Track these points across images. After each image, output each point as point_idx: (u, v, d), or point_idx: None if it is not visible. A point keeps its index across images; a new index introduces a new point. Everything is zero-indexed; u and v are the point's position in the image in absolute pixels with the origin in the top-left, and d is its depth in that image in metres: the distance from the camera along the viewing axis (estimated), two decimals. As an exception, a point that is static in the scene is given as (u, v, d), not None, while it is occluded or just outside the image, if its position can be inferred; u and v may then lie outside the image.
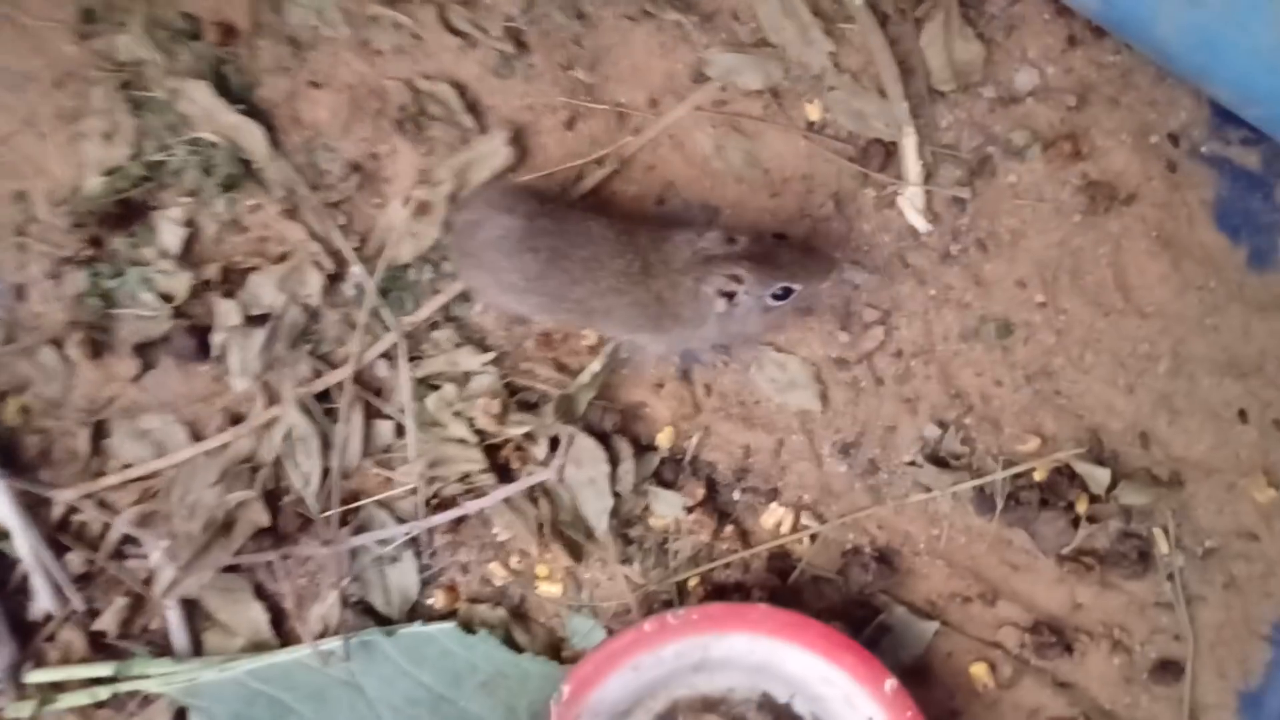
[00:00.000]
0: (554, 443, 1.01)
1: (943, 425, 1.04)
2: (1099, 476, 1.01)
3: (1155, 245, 1.04)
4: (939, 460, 1.03)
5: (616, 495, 1.00)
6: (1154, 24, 0.90)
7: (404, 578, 1.02)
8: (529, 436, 1.01)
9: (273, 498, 1.02)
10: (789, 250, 0.95)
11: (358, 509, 1.03)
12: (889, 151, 1.04)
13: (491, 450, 1.02)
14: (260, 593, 1.03)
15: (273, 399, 1.02)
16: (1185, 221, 1.05)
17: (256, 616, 1.02)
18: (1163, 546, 1.02)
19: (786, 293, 0.94)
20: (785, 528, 1.03)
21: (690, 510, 1.01)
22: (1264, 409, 1.03)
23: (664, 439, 1.04)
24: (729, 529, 1.02)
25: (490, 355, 1.03)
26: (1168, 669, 1.01)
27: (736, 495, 1.04)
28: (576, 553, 1.00)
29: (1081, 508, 1.02)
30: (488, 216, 0.96)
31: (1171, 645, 1.03)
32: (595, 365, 1.02)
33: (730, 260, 0.93)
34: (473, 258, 0.97)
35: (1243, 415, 1.04)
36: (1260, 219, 1.05)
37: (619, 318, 0.97)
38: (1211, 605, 1.03)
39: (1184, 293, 1.04)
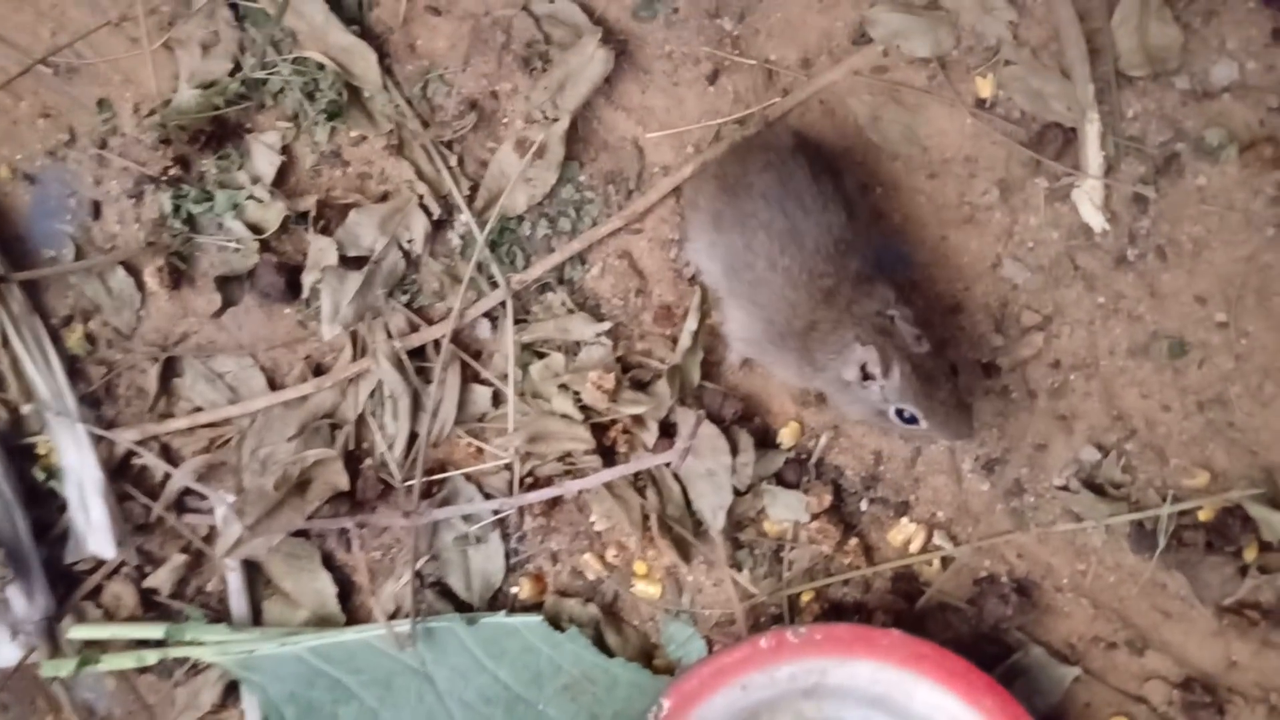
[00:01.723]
0: (665, 428, 0.91)
1: (1102, 449, 0.93)
2: (1274, 522, 0.90)
3: (1356, 269, 0.93)
4: (1095, 487, 0.92)
5: (735, 491, 0.90)
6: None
7: (489, 561, 0.92)
8: (638, 420, 0.91)
9: (353, 460, 0.93)
10: (949, 389, 0.82)
11: (444, 480, 0.93)
12: (1067, 138, 0.93)
13: (597, 430, 0.92)
14: (330, 563, 0.93)
15: (362, 351, 0.93)
16: (1380, 243, 0.94)
17: (324, 588, 0.92)
18: (1338, 607, 0.91)
19: (910, 420, 0.82)
20: (915, 546, 0.92)
21: (814, 517, 0.91)
22: None
23: (788, 436, 0.94)
24: (853, 542, 0.91)
25: (605, 325, 0.93)
26: (1329, 743, 0.90)
27: (864, 505, 0.93)
28: (685, 551, 0.90)
29: (1250, 555, 0.90)
30: (777, 150, 0.85)
31: (1336, 718, 0.92)
32: (691, 323, 0.91)
33: (896, 352, 0.80)
34: (732, 188, 0.86)
35: None
36: None
37: (765, 316, 0.86)
38: (1385, 677, 0.92)
39: (1385, 325, 0.93)
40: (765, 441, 0.93)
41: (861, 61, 0.96)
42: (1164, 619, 0.92)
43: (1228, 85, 0.94)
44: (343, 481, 0.90)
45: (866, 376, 0.81)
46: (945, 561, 0.92)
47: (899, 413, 0.82)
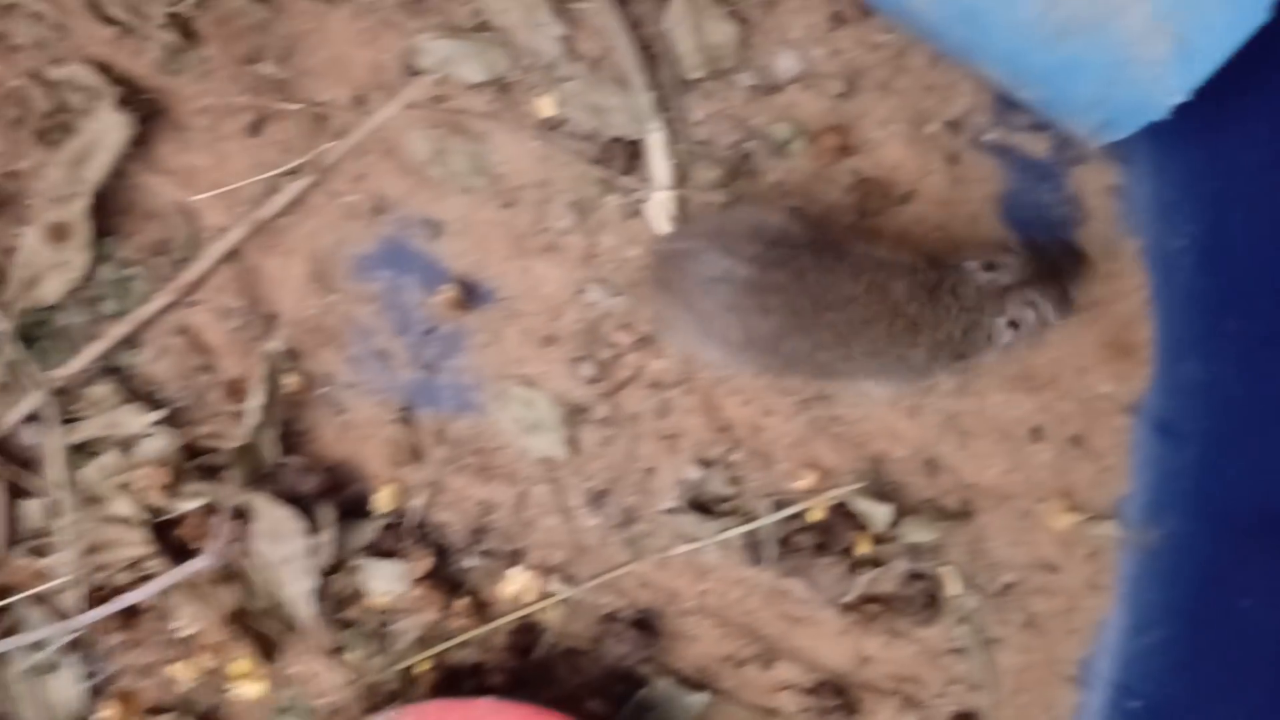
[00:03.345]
0: (240, 514, 0.85)
1: (706, 464, 0.91)
2: (879, 514, 0.90)
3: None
4: (702, 505, 0.90)
5: (323, 572, 0.85)
6: (910, -1, 0.78)
7: (65, 689, 0.85)
8: (210, 509, 0.85)
9: (-108, 602, 0.83)
10: (1054, 253, 0.87)
11: (4, 609, 0.85)
12: (633, 151, 0.90)
13: (168, 528, 0.85)
14: (-119, 720, 0.84)
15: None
16: (969, 220, 0.94)
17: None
18: (953, 586, 0.91)
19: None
20: (530, 595, 0.89)
21: (417, 583, 0.86)
22: (1059, 425, 0.93)
23: (386, 499, 0.88)
24: (462, 602, 0.87)
25: (158, 414, 0.85)
26: (966, 722, 0.91)
27: (473, 561, 0.89)
28: (268, 649, 0.84)
29: (862, 549, 0.90)
30: (703, 251, 0.80)
31: (969, 696, 0.92)
32: (257, 398, 0.86)
33: (1026, 285, 0.84)
34: (677, 296, 0.82)
35: (1037, 433, 0.93)
36: (1051, 213, 0.94)
37: (868, 373, 0.85)
38: (1011, 648, 0.93)
39: (970, 301, 0.93)
40: (358, 510, 0.88)
41: (416, 93, 0.90)
42: (792, 626, 0.91)
43: (794, 76, 0.92)
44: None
45: (1015, 325, 0.84)
46: (562, 604, 0.89)
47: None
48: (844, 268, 0.81)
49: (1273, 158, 0.83)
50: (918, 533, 0.90)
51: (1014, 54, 0.77)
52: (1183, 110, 0.75)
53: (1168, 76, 0.72)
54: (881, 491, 0.91)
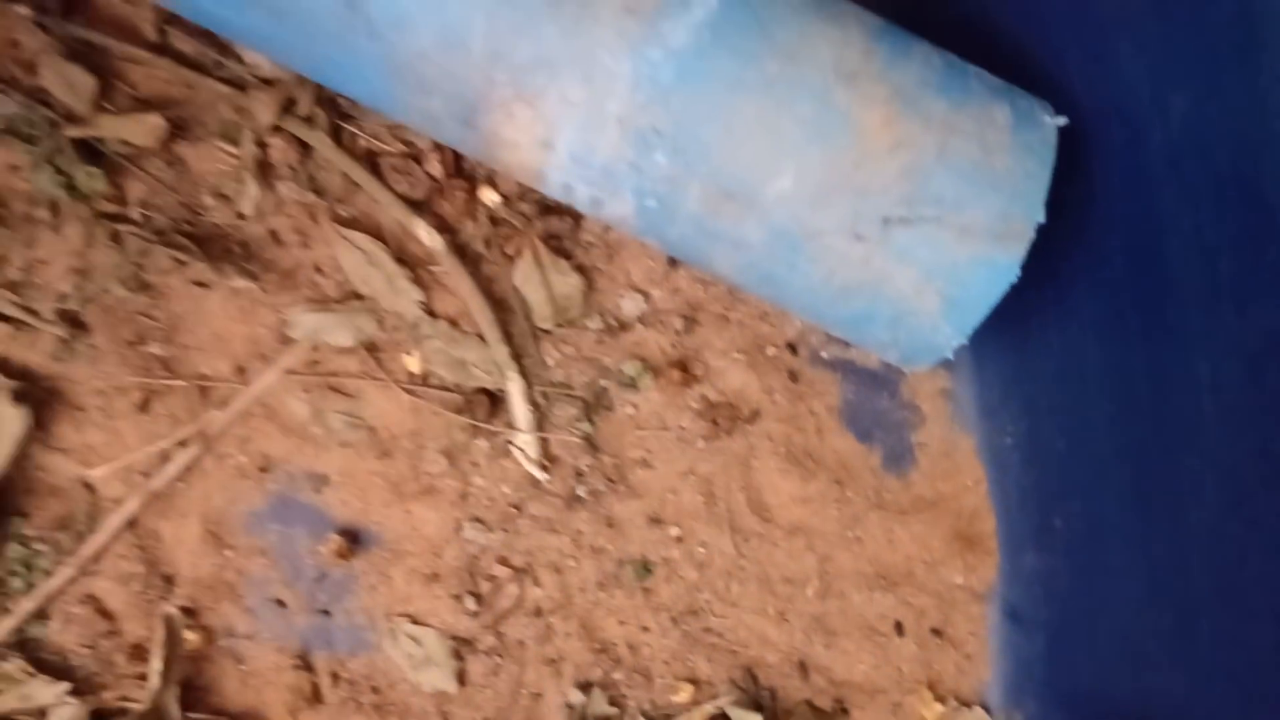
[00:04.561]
0: (144, 780, 0.90)
1: (585, 687, 0.96)
2: (753, 721, 0.95)
3: (786, 461, 0.99)
4: (583, 728, 0.95)
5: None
6: (713, 262, 0.86)
7: None
8: (115, 777, 0.90)
9: None
10: None
11: None
12: (495, 399, 0.98)
13: (77, 798, 0.90)
14: None
15: None
16: (814, 432, 1.01)
17: None
18: (831, 786, 0.96)
19: None
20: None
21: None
22: (918, 618, 0.99)
23: (288, 748, 0.93)
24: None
25: (65, 686, 0.91)
26: None
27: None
28: None
29: (745, 757, 0.95)
30: None
31: None
32: (157, 663, 0.91)
33: None
34: None
35: (899, 628, 0.99)
36: (890, 418, 1.02)
37: None
38: (893, 838, 0.97)
39: (823, 507, 0.99)
40: (255, 763, 0.93)
41: (292, 360, 0.98)
42: (680, 836, 0.96)
43: (639, 315, 1.01)
44: None
45: None
46: (457, 837, 0.94)
47: None
48: None
49: (1071, 369, 0.91)
50: (793, 736, 0.95)
51: (811, 308, 0.85)
52: (992, 324, 0.83)
53: (943, 326, 0.80)
54: (757, 698, 0.96)
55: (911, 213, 0.75)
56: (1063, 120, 0.80)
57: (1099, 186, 0.83)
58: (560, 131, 0.77)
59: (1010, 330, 0.94)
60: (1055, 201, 0.80)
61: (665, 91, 0.74)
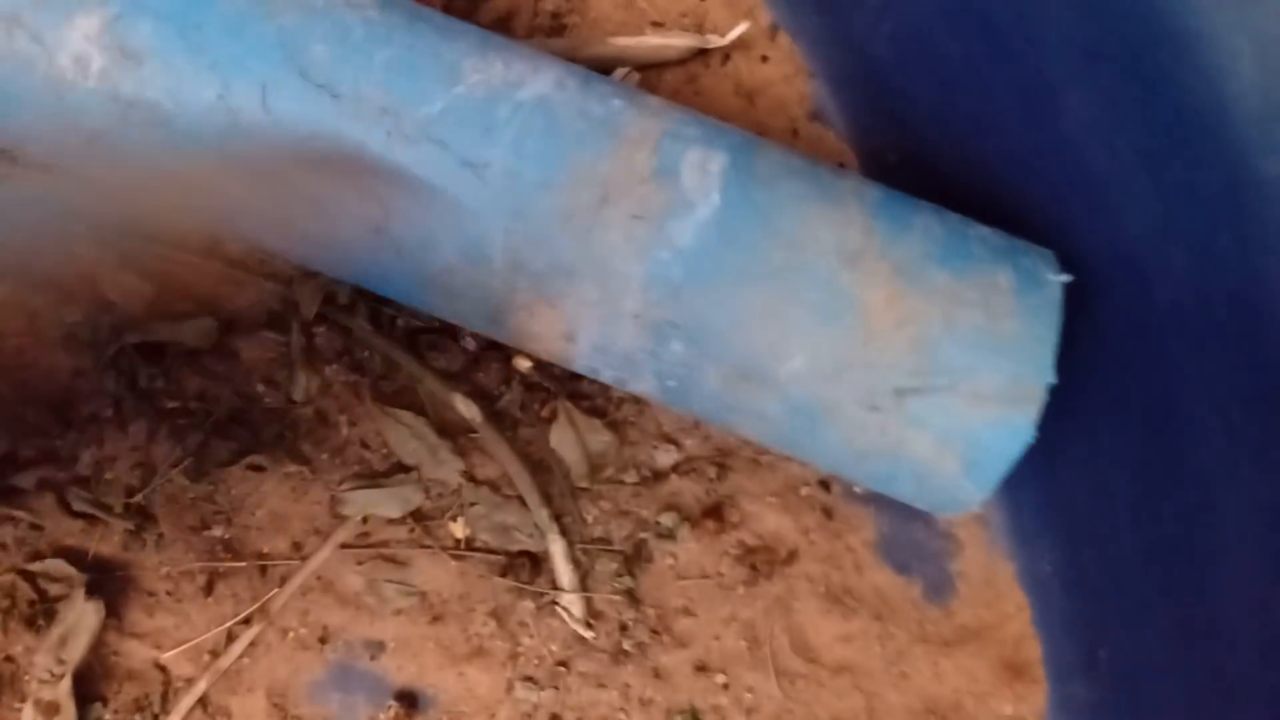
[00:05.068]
0: None
1: (644, 841, 0.98)
2: None
3: (826, 600, 1.01)
4: None
5: None
6: (738, 429, 0.89)
7: None
8: None
9: None
10: None
11: None
12: (537, 560, 1.01)
13: None
14: None
15: None
16: (852, 568, 1.03)
17: None
18: None
19: None
20: None
21: None
22: (971, 751, 1.00)
23: None
24: None
25: None
26: None
27: None
28: None
29: None
30: None
31: None
32: None
33: None
34: None
35: (952, 762, 1.00)
36: (927, 548, 1.03)
37: None
38: None
39: (866, 644, 1.01)
40: None
41: (345, 534, 1.03)
42: None
43: (673, 465, 1.04)
44: None
45: None
46: None
47: None
48: None
49: (1102, 503, 0.92)
50: None
51: (836, 468, 0.88)
52: (1024, 456, 0.84)
53: (965, 484, 0.82)
54: (812, 843, 0.98)
55: (923, 383, 0.78)
56: (1067, 277, 0.82)
57: (1111, 333, 0.85)
58: (581, 327, 0.81)
59: (1042, 459, 0.95)
60: (1070, 342, 0.82)
61: (676, 288, 0.78)
